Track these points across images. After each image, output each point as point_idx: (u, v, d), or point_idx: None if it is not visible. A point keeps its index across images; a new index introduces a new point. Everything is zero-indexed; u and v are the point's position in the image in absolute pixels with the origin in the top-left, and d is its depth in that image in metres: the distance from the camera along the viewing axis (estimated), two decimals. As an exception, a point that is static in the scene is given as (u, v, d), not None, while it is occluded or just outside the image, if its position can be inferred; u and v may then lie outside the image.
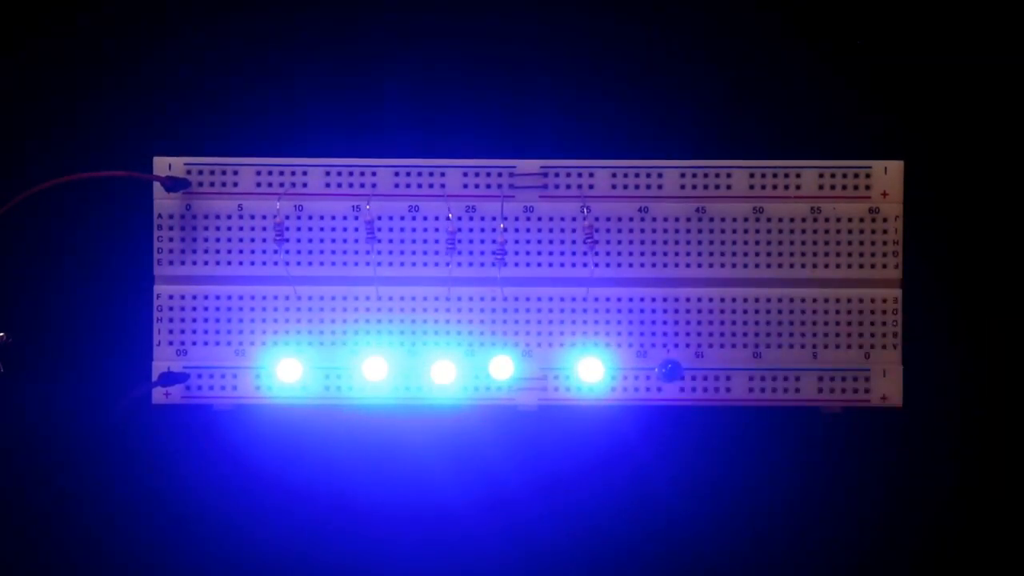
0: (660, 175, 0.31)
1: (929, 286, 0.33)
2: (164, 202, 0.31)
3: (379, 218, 0.31)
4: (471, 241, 0.31)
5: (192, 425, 0.33)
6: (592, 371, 0.31)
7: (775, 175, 0.31)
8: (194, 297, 0.31)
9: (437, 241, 0.31)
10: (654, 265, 0.31)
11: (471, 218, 0.31)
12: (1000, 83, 0.34)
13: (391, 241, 0.31)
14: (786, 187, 0.31)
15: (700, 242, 0.31)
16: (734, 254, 0.31)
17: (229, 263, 0.31)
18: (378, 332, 0.31)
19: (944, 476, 0.33)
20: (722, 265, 0.31)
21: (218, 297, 0.31)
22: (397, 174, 0.31)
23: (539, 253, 0.31)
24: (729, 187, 0.31)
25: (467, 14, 0.34)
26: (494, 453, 0.33)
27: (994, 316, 0.34)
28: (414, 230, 0.31)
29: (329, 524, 0.34)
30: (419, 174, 0.31)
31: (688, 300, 0.31)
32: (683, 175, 0.31)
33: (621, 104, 0.34)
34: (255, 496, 0.33)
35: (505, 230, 0.31)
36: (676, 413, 0.32)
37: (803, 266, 0.31)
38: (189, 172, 0.31)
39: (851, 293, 0.31)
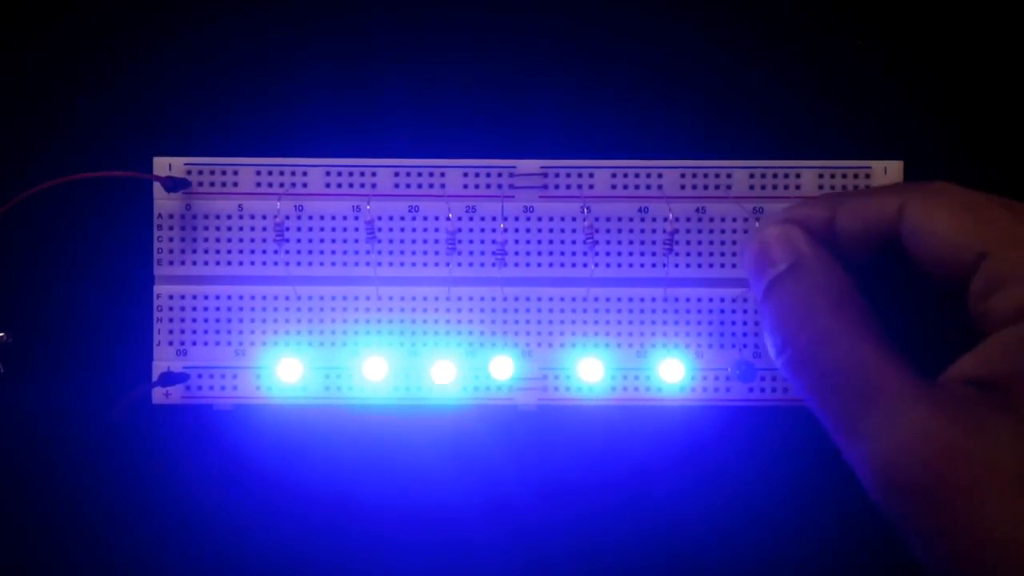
0: (660, 175, 0.31)
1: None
2: (164, 202, 0.31)
3: (379, 218, 0.31)
4: (471, 241, 0.31)
5: (192, 425, 0.33)
6: (592, 371, 0.31)
7: (775, 175, 0.31)
8: (194, 297, 0.31)
9: (437, 241, 0.31)
10: (654, 265, 0.31)
11: (471, 218, 0.31)
12: (999, 82, 0.34)
13: (391, 241, 0.31)
14: (786, 187, 0.31)
15: (700, 242, 0.31)
16: (734, 254, 0.31)
17: (229, 263, 0.31)
18: (378, 332, 0.31)
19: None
20: (722, 265, 0.31)
21: (218, 297, 0.31)
22: (397, 174, 0.31)
23: (539, 253, 0.31)
24: (729, 187, 0.31)
25: (467, 14, 0.34)
26: (494, 452, 0.33)
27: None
28: (414, 230, 0.31)
29: (329, 523, 0.34)
30: (419, 174, 0.31)
31: (688, 300, 0.31)
32: (683, 175, 0.31)
33: (621, 104, 0.34)
34: (255, 495, 0.33)
35: (505, 230, 0.31)
36: (676, 413, 0.32)
37: (803, 266, 0.31)
38: (189, 172, 0.31)
39: (851, 293, 0.31)
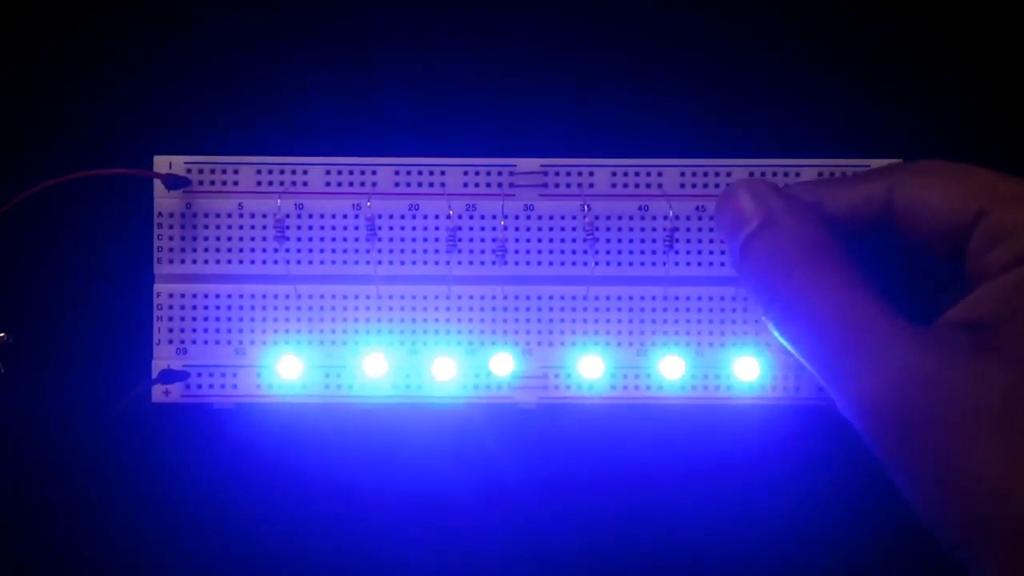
0: (660, 173, 0.31)
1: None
2: (164, 201, 0.31)
3: (379, 216, 0.31)
4: (471, 240, 0.31)
5: (192, 423, 0.33)
6: (592, 369, 0.31)
7: (775, 174, 0.31)
8: (194, 296, 0.31)
9: (437, 240, 0.31)
10: (654, 263, 0.31)
11: (471, 217, 0.31)
12: (999, 81, 0.34)
13: (391, 240, 0.31)
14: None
15: (700, 240, 0.31)
16: (734, 252, 0.31)
17: (229, 262, 0.31)
18: (378, 330, 0.31)
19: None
20: (722, 264, 0.31)
21: (218, 296, 0.31)
22: (397, 173, 0.31)
23: (539, 251, 0.31)
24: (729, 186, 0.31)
25: (467, 14, 0.34)
26: (494, 450, 0.33)
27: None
28: (414, 228, 0.31)
29: (330, 520, 0.34)
30: (419, 173, 0.31)
31: (688, 298, 0.31)
32: (683, 173, 0.31)
33: (621, 103, 0.34)
34: (256, 493, 0.33)
35: (505, 228, 0.31)
36: (675, 410, 0.32)
37: (803, 264, 0.31)
38: (189, 171, 0.31)
39: (851, 291, 0.31)
